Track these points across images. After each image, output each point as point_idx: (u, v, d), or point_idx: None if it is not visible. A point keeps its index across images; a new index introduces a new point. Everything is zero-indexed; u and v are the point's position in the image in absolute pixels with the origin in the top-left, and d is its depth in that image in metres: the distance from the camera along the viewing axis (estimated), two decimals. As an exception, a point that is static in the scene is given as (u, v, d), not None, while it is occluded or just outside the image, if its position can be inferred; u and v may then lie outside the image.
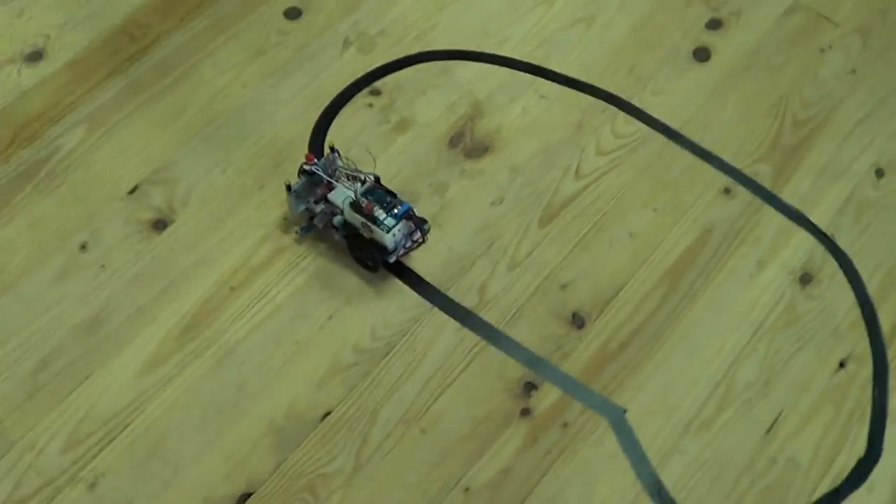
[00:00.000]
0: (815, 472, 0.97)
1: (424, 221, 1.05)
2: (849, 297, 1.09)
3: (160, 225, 1.09)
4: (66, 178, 1.11)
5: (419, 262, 1.07)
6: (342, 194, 1.04)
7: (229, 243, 1.08)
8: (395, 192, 1.05)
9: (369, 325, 1.03)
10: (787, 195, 1.15)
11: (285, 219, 1.09)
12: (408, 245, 1.05)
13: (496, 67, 1.22)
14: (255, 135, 1.15)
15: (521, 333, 1.03)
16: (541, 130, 1.18)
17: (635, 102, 1.20)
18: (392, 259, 1.04)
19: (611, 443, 0.98)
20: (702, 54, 1.25)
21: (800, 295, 1.08)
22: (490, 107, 1.19)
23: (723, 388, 1.02)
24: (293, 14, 1.25)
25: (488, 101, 1.20)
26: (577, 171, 1.15)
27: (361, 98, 1.19)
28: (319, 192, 1.06)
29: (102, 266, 1.05)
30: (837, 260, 1.11)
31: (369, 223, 1.02)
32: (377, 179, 1.06)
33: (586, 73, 1.23)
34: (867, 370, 1.04)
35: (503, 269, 1.08)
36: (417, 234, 1.04)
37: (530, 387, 1.00)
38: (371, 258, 1.05)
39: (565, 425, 0.98)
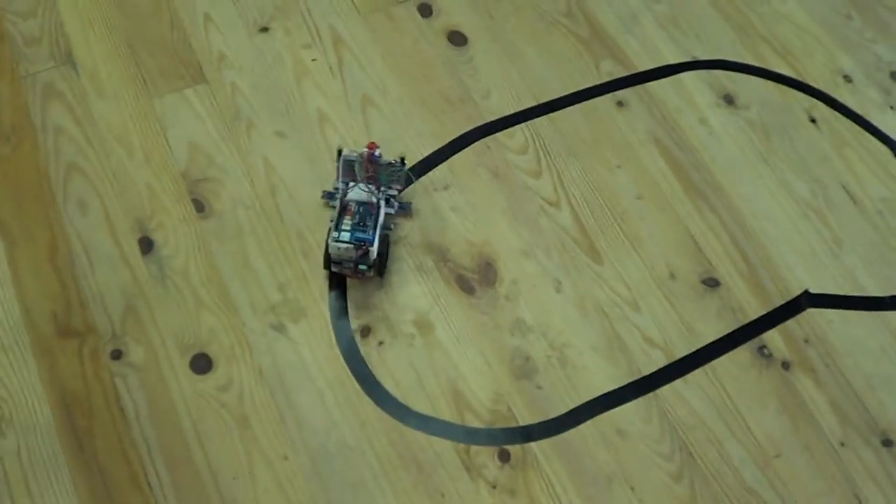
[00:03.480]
0: None
1: (367, 266, 1.15)
2: (755, 81, 1.39)
3: None
4: None
5: (597, 383, 1.15)
6: (356, 190, 1.18)
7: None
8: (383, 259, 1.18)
9: (652, 453, 1.11)
10: (642, 63, 1.38)
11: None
12: (354, 270, 1.16)
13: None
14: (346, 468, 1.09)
15: (708, 328, 1.19)
16: (489, 206, 1.25)
17: (491, 117, 1.32)
18: (333, 269, 1.17)
19: (836, 317, 1.21)
20: (458, 39, 1.38)
21: (743, 115, 1.35)
22: (440, 235, 1.23)
23: (812, 213, 1.28)
24: (202, 365, 1.14)
25: (429, 232, 1.23)
26: (550, 203, 1.26)
27: (363, 345, 1.16)
28: (356, 175, 1.19)
29: None
30: (720, 68, 1.39)
31: (333, 222, 1.16)
32: (399, 206, 1.23)
33: (437, 136, 1.30)
34: (825, 110, 1.37)
35: (634, 315, 1.19)
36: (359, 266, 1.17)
37: (762, 350, 1.18)
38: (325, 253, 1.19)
39: (807, 341, 1.19)
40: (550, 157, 1.30)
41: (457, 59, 1.38)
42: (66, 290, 1.18)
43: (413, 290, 1.20)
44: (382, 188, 1.20)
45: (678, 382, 1.16)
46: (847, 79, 1.41)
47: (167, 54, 1.35)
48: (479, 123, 1.32)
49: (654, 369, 1.16)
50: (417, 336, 1.17)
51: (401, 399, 1.13)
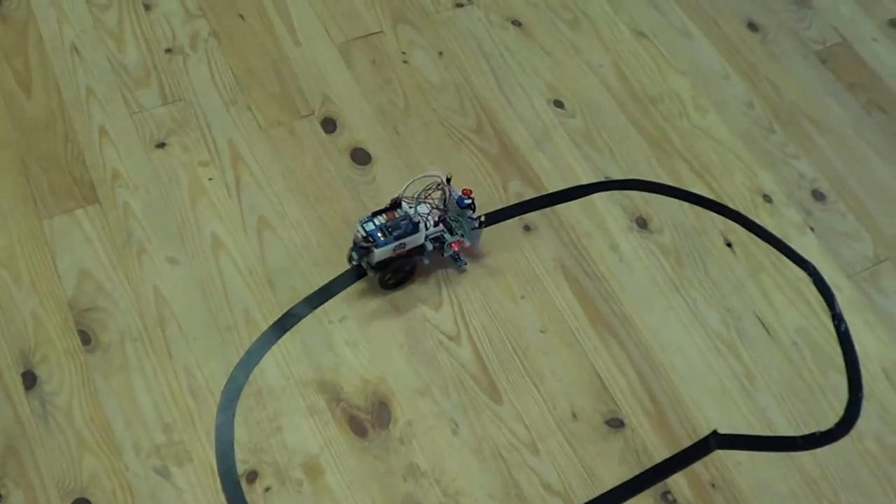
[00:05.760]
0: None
1: (358, 256, 1.30)
2: (670, 202, 1.44)
3: None
4: None
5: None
6: (414, 205, 1.32)
7: None
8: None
9: None
10: (552, 183, 1.44)
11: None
12: (350, 252, 1.32)
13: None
14: None
15: (610, 473, 1.22)
16: (386, 339, 1.29)
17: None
18: (352, 244, 1.32)
19: (745, 459, 1.24)
20: (361, 157, 1.43)
21: (656, 239, 1.41)
22: (333, 372, 1.26)
23: (724, 347, 1.33)
24: None
25: (323, 369, 1.26)
26: (449, 337, 1.30)
27: (249, 492, 1.18)
28: (435, 198, 1.34)
29: None
30: (634, 188, 1.44)
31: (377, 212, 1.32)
32: (453, 256, 1.36)
33: (334, 264, 1.34)
34: (742, 233, 1.43)
35: (532, 459, 1.22)
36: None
37: (666, 496, 1.21)
38: None
39: (713, 485, 1.22)
40: (451, 287, 1.34)
41: (359, 178, 1.42)
42: (-55, 429, 1.21)
43: (303, 433, 1.22)
44: (445, 224, 1.33)
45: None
46: (766, 198, 1.47)
47: (60, 171, 1.39)
48: (391, 246, 1.37)
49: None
50: (306, 482, 1.19)
51: (286, 551, 1.16)
